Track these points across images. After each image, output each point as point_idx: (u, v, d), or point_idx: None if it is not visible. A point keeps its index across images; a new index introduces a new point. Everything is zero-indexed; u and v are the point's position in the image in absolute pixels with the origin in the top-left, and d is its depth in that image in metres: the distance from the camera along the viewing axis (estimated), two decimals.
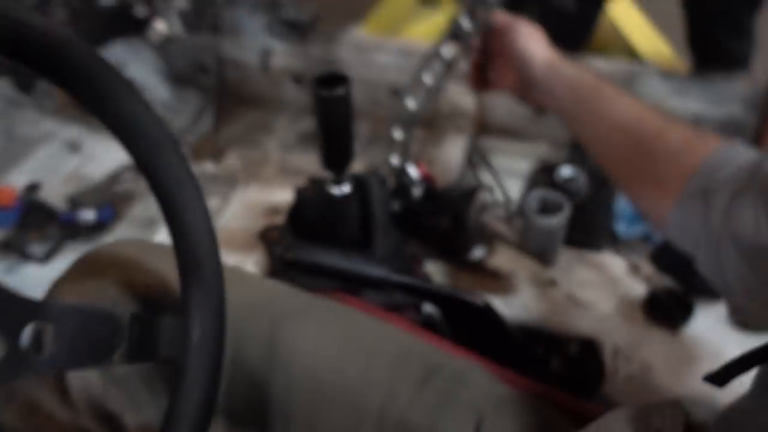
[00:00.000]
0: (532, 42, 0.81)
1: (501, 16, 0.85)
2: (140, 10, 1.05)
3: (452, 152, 1.27)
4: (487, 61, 0.90)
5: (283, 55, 1.51)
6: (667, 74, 1.36)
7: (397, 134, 0.84)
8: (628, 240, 1.18)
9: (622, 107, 0.73)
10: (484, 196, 0.79)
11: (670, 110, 1.34)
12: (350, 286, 0.72)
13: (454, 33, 0.78)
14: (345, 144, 0.71)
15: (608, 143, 0.73)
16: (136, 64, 1.45)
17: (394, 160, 0.87)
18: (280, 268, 0.73)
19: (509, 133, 1.42)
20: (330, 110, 0.68)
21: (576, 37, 1.53)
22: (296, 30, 1.50)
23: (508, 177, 1.34)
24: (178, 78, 1.55)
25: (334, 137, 0.70)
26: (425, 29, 2.11)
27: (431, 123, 1.38)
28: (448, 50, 0.79)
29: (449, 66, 0.77)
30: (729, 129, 1.33)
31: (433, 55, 0.79)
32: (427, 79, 0.78)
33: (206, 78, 1.55)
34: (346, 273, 0.69)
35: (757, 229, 0.54)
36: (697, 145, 0.66)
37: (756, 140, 1.30)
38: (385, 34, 2.03)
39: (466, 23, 0.74)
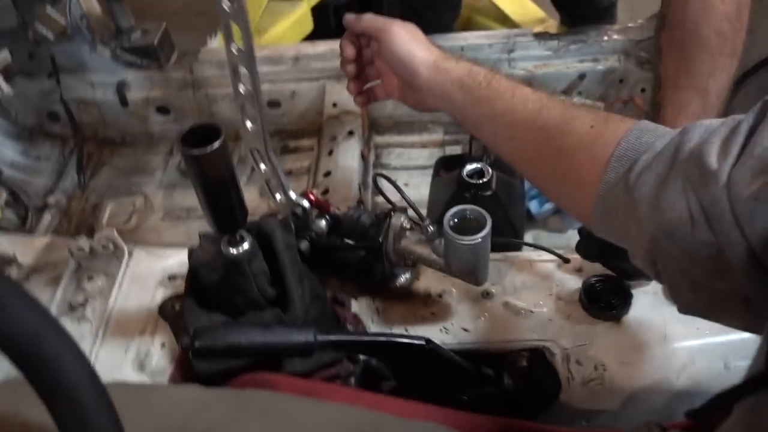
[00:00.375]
0: (411, 43, 0.74)
1: (370, 21, 0.77)
2: None
3: (348, 159, 1.20)
4: (364, 70, 0.83)
5: (140, 85, 1.36)
6: (542, 37, 1.35)
7: (263, 166, 0.75)
8: (542, 217, 1.17)
9: (520, 100, 0.68)
10: (397, 220, 0.72)
11: (554, 72, 1.35)
12: (273, 360, 0.63)
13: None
14: (232, 203, 0.61)
15: (512, 141, 0.69)
16: None
17: (278, 195, 0.79)
18: (190, 357, 0.63)
19: (402, 126, 1.36)
20: (206, 170, 0.58)
21: (446, 15, 1.48)
22: (148, 55, 1.35)
23: (411, 174, 1.30)
24: (29, 132, 1.37)
25: (217, 199, 0.61)
26: (287, 26, 2.00)
27: (319, 131, 1.30)
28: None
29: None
30: (611, 80, 1.35)
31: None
32: (242, 88, 0.70)
33: (59, 127, 1.38)
34: (267, 348, 0.61)
35: (693, 222, 0.51)
36: (604, 131, 0.62)
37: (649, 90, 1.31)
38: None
39: None
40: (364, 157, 1.23)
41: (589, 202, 0.62)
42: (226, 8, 0.64)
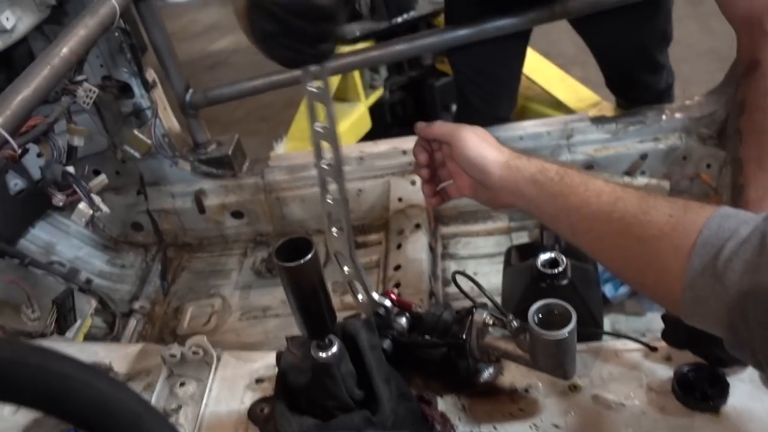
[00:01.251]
0: (482, 146, 0.78)
1: (441, 127, 0.82)
2: (58, 199, 0.97)
3: (417, 251, 1.22)
4: (437, 172, 0.87)
5: (216, 192, 1.45)
6: (600, 120, 1.37)
7: (346, 268, 0.78)
8: (619, 301, 1.15)
9: (594, 192, 0.69)
10: (479, 316, 0.73)
11: (614, 154, 1.36)
12: None
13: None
14: (322, 310, 0.64)
15: (590, 233, 0.70)
16: (64, 243, 1.36)
17: (360, 295, 0.81)
18: None
19: (467, 215, 1.39)
20: (299, 280, 0.61)
21: (503, 108, 1.53)
22: (223, 165, 1.45)
23: (479, 262, 1.31)
24: (115, 242, 1.46)
25: (308, 306, 0.64)
26: (348, 126, 2.11)
27: (386, 225, 1.33)
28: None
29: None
30: (674, 157, 1.35)
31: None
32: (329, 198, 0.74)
33: (143, 235, 1.47)
34: None
35: None
36: (684, 219, 0.62)
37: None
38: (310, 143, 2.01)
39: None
40: (432, 248, 1.26)
41: (676, 290, 0.61)
42: (319, 129, 0.69)
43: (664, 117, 1.35)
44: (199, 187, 1.44)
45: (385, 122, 2.32)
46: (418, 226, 1.28)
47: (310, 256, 0.60)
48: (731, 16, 0.88)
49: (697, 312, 0.61)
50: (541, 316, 0.65)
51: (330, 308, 0.65)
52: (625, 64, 1.53)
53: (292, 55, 0.67)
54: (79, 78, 1.04)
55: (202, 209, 1.43)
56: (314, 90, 0.69)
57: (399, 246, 1.25)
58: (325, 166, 0.71)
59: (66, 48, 0.97)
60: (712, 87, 1.35)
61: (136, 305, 1.34)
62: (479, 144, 0.78)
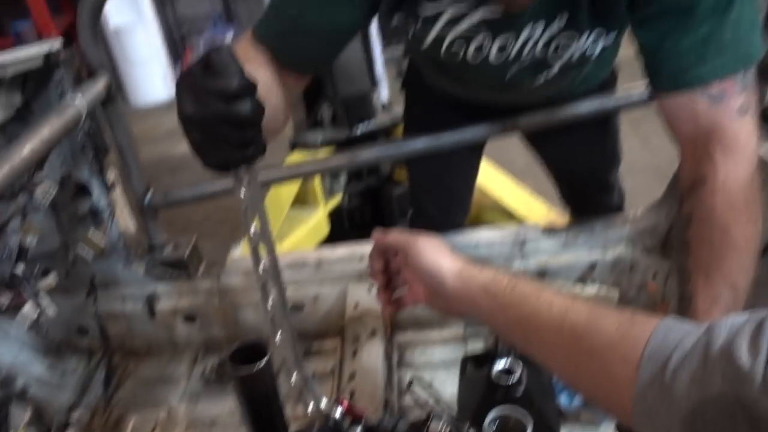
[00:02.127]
0: (437, 256, 0.80)
1: (397, 235, 0.84)
2: (3, 299, 0.93)
3: (372, 359, 1.20)
4: (392, 280, 0.88)
5: (169, 295, 1.42)
6: (551, 230, 1.42)
7: (294, 378, 0.76)
8: (574, 411, 1.14)
9: (546, 303, 0.71)
10: (436, 425, 0.71)
11: (566, 263, 1.41)
12: None
13: None
14: (273, 419, 0.62)
15: (542, 344, 0.71)
16: (2, 347, 1.29)
17: (310, 407, 0.78)
18: None
19: (423, 323, 1.38)
20: (251, 386, 0.60)
21: (457, 217, 1.59)
22: (178, 268, 1.43)
23: (435, 370, 1.29)
24: (57, 347, 1.39)
25: (260, 414, 0.62)
26: (306, 232, 2.12)
27: (341, 331, 1.32)
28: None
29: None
30: (621, 267, 1.40)
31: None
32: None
33: (87, 340, 1.41)
34: None
35: (737, 422, 0.51)
36: (631, 331, 0.64)
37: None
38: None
39: None
40: (388, 356, 1.24)
41: (627, 401, 0.62)
42: (251, 233, 0.71)
43: (610, 229, 1.41)
44: (152, 289, 1.41)
45: (344, 228, 2.35)
46: (374, 333, 1.27)
47: (264, 361, 0.59)
48: (677, 137, 0.93)
49: (649, 423, 0.61)
50: (496, 425, 0.65)
51: (281, 417, 0.64)
52: (577, 182, 1.62)
53: (221, 161, 0.72)
54: (39, 177, 1.03)
55: (152, 313, 1.39)
56: (245, 195, 0.74)
57: (354, 353, 1.23)
58: (261, 271, 0.73)
59: (28, 147, 0.97)
60: (654, 201, 1.43)
61: (75, 415, 1.26)
62: (434, 253, 0.80)
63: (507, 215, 1.88)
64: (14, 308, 0.98)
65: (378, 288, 0.88)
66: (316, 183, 2.17)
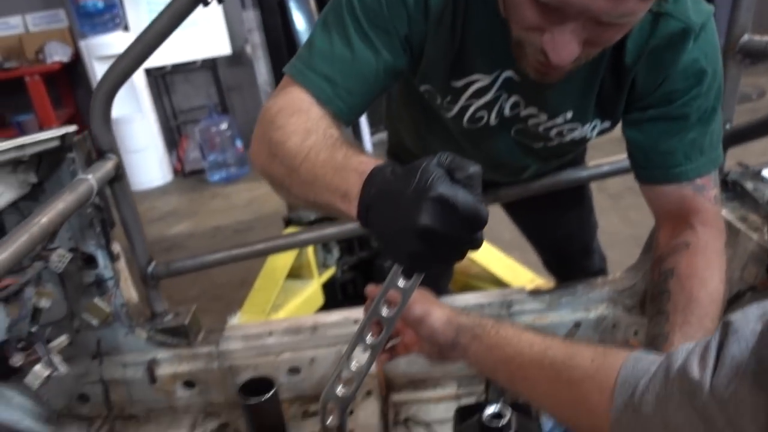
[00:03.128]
0: (427, 305, 0.87)
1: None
2: (17, 359, 0.98)
3: (369, 418, 1.24)
4: None
5: (169, 362, 1.46)
6: (536, 293, 1.49)
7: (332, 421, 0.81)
8: None
9: (527, 343, 0.78)
10: None
11: (551, 323, 1.47)
12: None
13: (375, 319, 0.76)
14: None
15: (525, 380, 0.77)
16: (4, 416, 1.31)
17: None
18: None
19: (417, 382, 1.43)
20: (260, 415, 0.66)
21: (442, 282, 1.66)
22: (179, 335, 1.48)
23: (433, 428, 1.33)
24: (57, 416, 1.42)
25: None
26: (301, 302, 2.18)
27: None
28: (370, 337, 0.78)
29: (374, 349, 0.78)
30: (604, 326, 1.46)
31: (357, 340, 0.79)
32: (353, 365, 0.78)
33: (88, 408, 1.44)
34: None
35: (694, 428, 0.58)
36: (605, 362, 0.71)
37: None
38: (264, 316, 2.06)
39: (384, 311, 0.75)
40: (384, 415, 1.28)
41: (605, 426, 0.69)
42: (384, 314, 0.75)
43: (592, 290, 1.49)
44: (153, 356, 1.45)
45: (337, 299, 2.41)
46: (369, 392, 1.32)
47: (271, 393, 0.65)
48: (660, 213, 1.08)
49: None
50: None
51: None
52: (559, 249, 1.71)
53: (421, 269, 0.69)
54: (52, 246, 1.11)
55: (153, 379, 1.43)
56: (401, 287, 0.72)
57: (351, 412, 1.27)
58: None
59: (45, 218, 1.05)
60: (631, 264, 1.51)
61: None
62: (424, 303, 0.87)
63: (494, 283, 1.96)
64: (26, 367, 1.02)
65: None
66: (311, 257, 2.25)
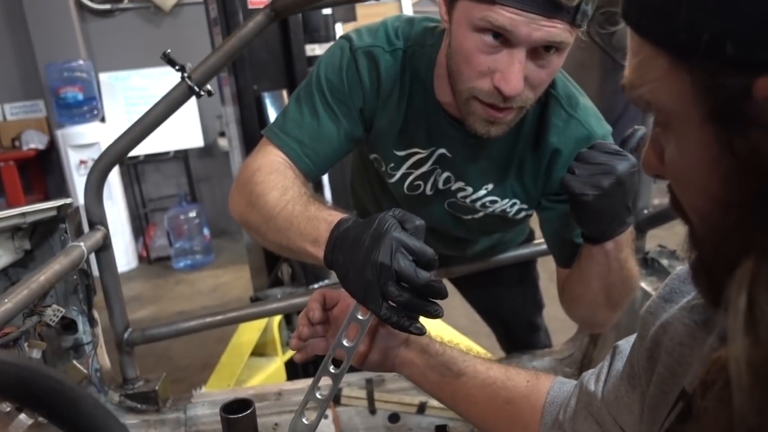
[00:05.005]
0: None
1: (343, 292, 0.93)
2: (4, 406, 1.06)
3: None
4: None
5: (137, 427, 1.52)
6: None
7: None
8: None
9: (471, 365, 0.88)
10: None
11: None
12: None
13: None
14: None
15: (468, 399, 0.87)
16: None
17: None
18: None
19: None
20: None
21: None
22: (148, 401, 1.55)
23: None
24: None
25: None
26: (264, 378, 2.26)
27: None
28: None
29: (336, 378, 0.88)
30: None
31: (322, 372, 0.88)
32: (318, 395, 0.89)
33: None
34: None
35: None
36: (537, 384, 0.86)
37: None
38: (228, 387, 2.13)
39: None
40: None
41: None
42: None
43: (535, 359, 1.64)
44: (123, 421, 1.52)
45: (299, 377, 2.48)
46: None
47: (249, 411, 0.78)
48: (573, 318, 1.30)
49: None
50: None
51: None
52: (505, 322, 1.87)
53: (370, 303, 0.80)
54: (44, 304, 1.22)
55: None
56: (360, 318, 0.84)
57: None
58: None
59: (43, 277, 1.17)
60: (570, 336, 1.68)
61: None
62: None
63: None
64: (14, 413, 1.10)
65: (298, 334, 0.93)
66: (275, 334, 2.34)
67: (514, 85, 0.98)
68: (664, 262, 1.49)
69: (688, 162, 0.45)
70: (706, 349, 0.52)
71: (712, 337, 0.52)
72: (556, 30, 0.94)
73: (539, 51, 0.98)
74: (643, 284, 1.45)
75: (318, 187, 2.60)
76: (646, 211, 1.57)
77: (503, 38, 0.96)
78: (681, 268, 0.64)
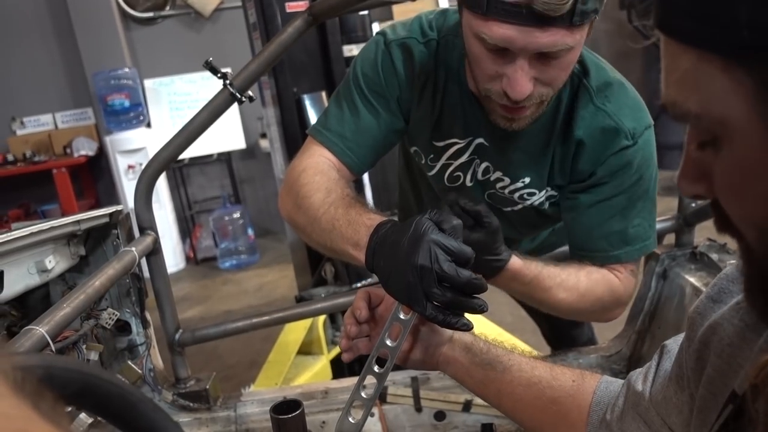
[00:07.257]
0: None
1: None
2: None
3: None
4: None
5: (189, 425, 1.57)
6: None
7: None
8: None
9: (516, 363, 0.89)
10: None
11: None
12: None
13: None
14: None
15: (512, 396, 0.87)
16: None
17: None
18: None
19: None
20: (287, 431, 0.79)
21: None
22: (200, 399, 1.60)
23: None
24: None
25: None
26: (310, 376, 2.29)
27: None
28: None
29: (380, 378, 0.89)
30: None
31: (367, 371, 0.89)
32: (364, 393, 0.90)
33: None
34: None
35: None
36: (583, 384, 0.85)
37: None
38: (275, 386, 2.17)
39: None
40: None
41: None
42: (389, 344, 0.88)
43: (582, 357, 1.62)
44: (176, 419, 1.57)
45: (344, 376, 2.51)
46: None
47: (298, 411, 0.79)
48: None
49: None
50: None
51: None
52: (550, 318, 1.85)
53: (414, 303, 0.81)
54: (99, 308, 1.27)
55: None
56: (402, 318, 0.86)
57: None
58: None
59: (98, 282, 1.22)
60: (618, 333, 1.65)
61: None
62: None
63: None
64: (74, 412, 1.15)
65: (346, 333, 0.93)
66: (321, 333, 2.38)
67: (519, 90, 0.98)
68: (714, 256, 1.45)
69: (749, 170, 0.42)
70: (756, 350, 0.51)
71: (762, 338, 0.51)
72: (553, 39, 0.92)
73: (545, 53, 0.96)
74: (692, 279, 1.42)
75: (359, 187, 2.62)
76: (693, 205, 1.53)
77: (503, 48, 0.96)
78: (730, 267, 0.63)
